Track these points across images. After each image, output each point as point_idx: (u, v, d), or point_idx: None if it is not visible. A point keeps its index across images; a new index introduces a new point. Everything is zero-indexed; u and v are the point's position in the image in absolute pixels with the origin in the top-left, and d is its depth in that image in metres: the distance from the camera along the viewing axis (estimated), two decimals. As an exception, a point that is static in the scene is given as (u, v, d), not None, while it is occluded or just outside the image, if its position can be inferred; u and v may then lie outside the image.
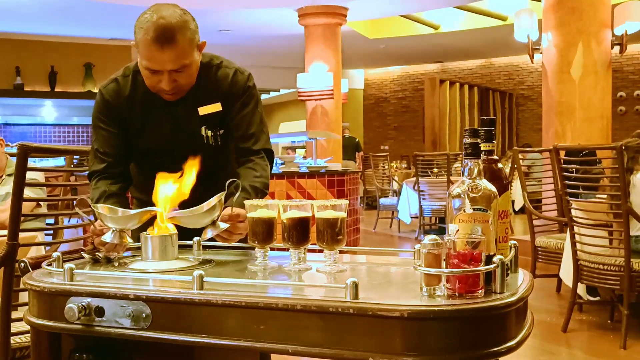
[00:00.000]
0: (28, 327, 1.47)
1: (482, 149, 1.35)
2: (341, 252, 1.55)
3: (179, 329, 1.30)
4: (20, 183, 2.02)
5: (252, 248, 1.57)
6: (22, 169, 2.01)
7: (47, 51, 11.10)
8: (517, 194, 7.60)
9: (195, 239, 1.74)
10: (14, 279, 2.01)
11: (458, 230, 1.25)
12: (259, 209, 1.53)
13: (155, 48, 1.72)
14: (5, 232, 2.06)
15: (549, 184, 4.86)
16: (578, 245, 3.60)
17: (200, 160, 1.69)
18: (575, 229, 3.60)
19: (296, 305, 1.20)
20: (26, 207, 2.84)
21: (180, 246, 1.63)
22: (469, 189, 1.28)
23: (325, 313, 1.18)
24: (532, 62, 7.37)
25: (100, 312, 1.34)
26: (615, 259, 3.43)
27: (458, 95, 13.29)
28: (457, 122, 13.13)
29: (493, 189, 1.29)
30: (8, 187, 2.68)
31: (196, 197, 1.72)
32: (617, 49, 6.44)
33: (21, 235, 2.05)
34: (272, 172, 2.26)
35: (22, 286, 1.53)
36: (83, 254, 1.65)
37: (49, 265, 1.49)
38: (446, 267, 1.20)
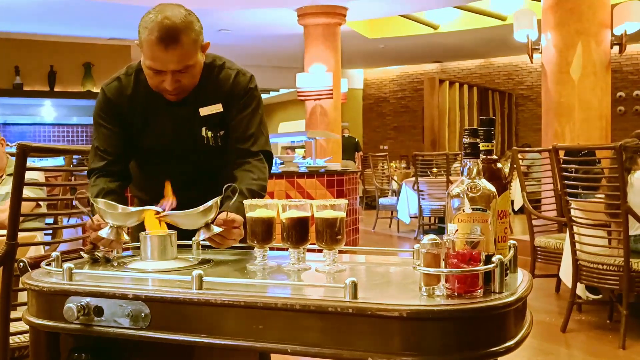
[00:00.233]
0: (27, 327, 1.47)
1: (481, 148, 1.35)
2: (340, 251, 1.55)
3: (178, 328, 1.29)
4: (19, 182, 2.02)
5: (251, 248, 1.57)
6: (21, 168, 2.01)
7: (46, 51, 11.10)
8: (516, 194, 7.60)
9: (194, 238, 1.74)
10: (13, 279, 2.01)
11: (457, 230, 1.25)
12: (258, 208, 1.53)
13: (159, 48, 1.72)
14: (4, 231, 2.06)
15: (548, 184, 4.87)
16: (577, 245, 3.60)
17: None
18: (575, 228, 3.60)
19: (295, 305, 1.20)
20: (26, 206, 2.85)
21: (179, 246, 1.63)
22: (468, 188, 1.28)
23: (324, 313, 1.18)
24: (532, 62, 7.38)
25: (99, 311, 1.34)
26: (615, 258, 3.43)
27: (457, 95, 13.29)
28: (457, 122, 13.14)
29: (492, 188, 1.29)
30: (8, 187, 2.68)
31: (195, 197, 1.72)
32: (616, 49, 6.44)
33: (20, 234, 2.05)
34: (272, 171, 2.26)
35: (21, 286, 1.53)
36: (82, 253, 1.64)
37: (48, 264, 1.49)
38: (445, 267, 1.20)
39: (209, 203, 1.56)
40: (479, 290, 1.19)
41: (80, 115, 11.49)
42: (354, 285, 1.18)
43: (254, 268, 1.52)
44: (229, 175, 1.87)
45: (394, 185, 9.40)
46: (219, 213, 1.60)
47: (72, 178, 3.34)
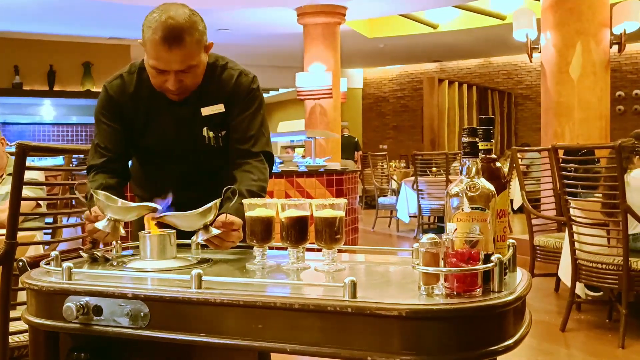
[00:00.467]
0: (26, 326, 1.47)
1: (480, 148, 1.35)
2: (340, 251, 1.55)
3: (177, 328, 1.29)
4: (18, 182, 2.02)
5: (251, 247, 1.57)
6: (20, 167, 2.01)
7: (45, 50, 11.10)
8: (515, 193, 7.60)
9: (193, 239, 1.73)
10: (13, 278, 2.01)
11: (456, 229, 1.26)
12: (257, 208, 1.53)
13: (163, 48, 1.72)
14: (3, 231, 2.06)
15: (547, 183, 4.87)
16: (576, 245, 3.61)
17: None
18: (574, 228, 3.61)
19: (294, 304, 1.20)
20: (27, 206, 2.85)
21: (178, 245, 1.63)
22: (467, 188, 1.28)
23: (323, 312, 1.18)
24: (531, 62, 7.38)
25: (98, 311, 1.34)
26: (614, 258, 3.43)
27: (457, 94, 13.30)
28: (456, 122, 13.14)
29: (491, 187, 1.29)
30: (8, 186, 2.68)
31: (195, 198, 1.72)
32: (615, 48, 6.44)
33: (20, 234, 2.05)
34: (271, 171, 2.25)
35: (20, 285, 1.53)
36: (81, 253, 1.64)
37: (47, 264, 1.49)
38: (444, 266, 1.20)
39: (208, 205, 1.56)
40: (478, 290, 1.19)
41: (80, 114, 11.48)
42: (353, 285, 1.18)
43: (253, 267, 1.52)
44: (229, 176, 1.86)
45: (394, 185, 9.40)
46: (218, 215, 1.60)
47: (73, 177, 3.34)
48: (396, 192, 8.67)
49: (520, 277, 1.37)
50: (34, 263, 1.54)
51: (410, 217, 7.99)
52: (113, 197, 1.63)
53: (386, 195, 9.38)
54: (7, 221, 2.02)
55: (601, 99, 6.32)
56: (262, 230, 1.52)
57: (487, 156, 1.38)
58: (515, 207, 8.89)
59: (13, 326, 2.03)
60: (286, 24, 10.34)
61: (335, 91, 9.45)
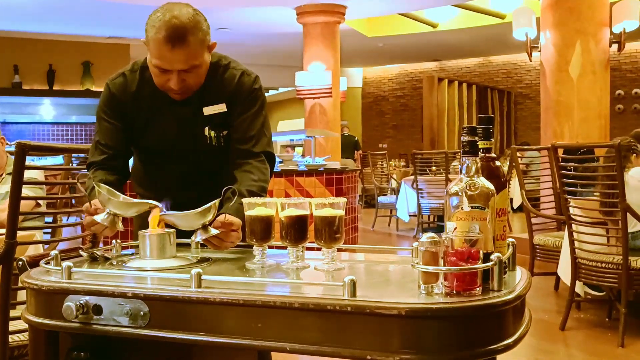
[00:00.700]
0: (26, 326, 1.47)
1: (479, 146, 1.35)
2: (339, 250, 1.55)
3: (176, 327, 1.29)
4: (18, 181, 2.01)
5: (250, 246, 1.57)
6: (20, 167, 2.01)
7: (45, 49, 11.10)
8: (515, 192, 7.60)
9: (192, 239, 1.73)
10: (12, 277, 2.01)
11: (456, 228, 1.26)
12: (257, 207, 1.53)
13: (167, 48, 1.72)
14: (3, 230, 2.06)
15: (547, 182, 4.87)
16: (576, 243, 3.61)
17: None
18: (573, 226, 3.61)
19: (294, 303, 1.20)
20: (27, 206, 2.85)
21: (178, 244, 1.63)
22: (466, 186, 1.28)
23: (323, 311, 1.18)
24: (531, 61, 7.38)
25: (98, 310, 1.34)
26: (613, 256, 3.43)
27: (456, 93, 13.29)
28: (456, 121, 13.13)
29: (491, 186, 1.29)
30: (8, 186, 2.68)
31: (195, 197, 1.72)
32: (615, 47, 6.44)
33: (19, 233, 2.05)
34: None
35: (20, 284, 1.53)
36: (81, 252, 1.64)
37: (47, 263, 1.49)
38: (444, 265, 1.20)
39: (208, 205, 1.56)
40: (478, 288, 1.19)
41: (79, 113, 11.48)
42: (353, 284, 1.18)
43: (253, 266, 1.52)
44: (230, 176, 1.86)
45: (393, 184, 9.40)
46: (218, 215, 1.60)
47: (73, 177, 3.34)
48: (396, 191, 8.67)
49: (519, 276, 1.37)
50: (34, 262, 1.54)
51: (409, 216, 7.99)
52: (115, 192, 1.63)
53: (386, 194, 9.38)
54: (7, 220, 2.02)
55: (601, 98, 6.32)
56: (262, 229, 1.52)
57: (487, 155, 1.38)
58: (515, 206, 8.89)
59: (13, 325, 2.03)
60: (286, 23, 10.33)
61: (335, 90, 9.45)
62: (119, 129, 1.93)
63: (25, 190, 2.77)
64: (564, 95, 6.29)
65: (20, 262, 1.54)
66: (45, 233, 3.14)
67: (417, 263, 1.21)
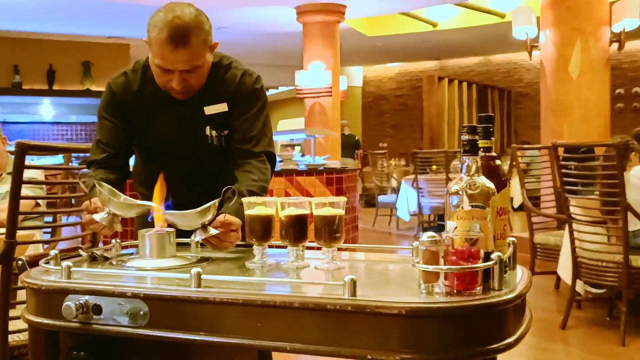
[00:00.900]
0: (26, 325, 1.47)
1: (480, 146, 1.35)
2: (339, 249, 1.55)
3: (176, 326, 1.29)
4: (17, 181, 2.01)
5: (250, 245, 1.56)
6: (19, 166, 2.01)
7: (45, 49, 11.09)
8: (515, 191, 7.60)
9: (191, 238, 1.73)
10: (12, 277, 2.01)
11: (456, 227, 1.25)
12: (256, 206, 1.53)
13: (169, 48, 1.72)
14: (3, 230, 2.05)
15: (547, 181, 4.86)
16: (577, 243, 3.60)
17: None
18: (574, 226, 3.60)
19: (294, 302, 1.20)
20: (27, 205, 2.84)
21: (178, 244, 1.63)
22: (467, 185, 1.27)
23: (323, 310, 1.18)
24: (531, 60, 7.38)
25: (97, 310, 1.34)
26: (614, 255, 3.43)
27: (456, 92, 13.29)
28: (456, 120, 13.13)
29: (491, 185, 1.29)
30: (8, 186, 2.68)
31: (195, 197, 1.71)
32: (615, 46, 6.44)
33: (19, 233, 2.05)
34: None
35: (19, 284, 1.53)
36: (81, 252, 1.64)
37: (47, 263, 1.49)
38: (444, 264, 1.20)
39: (207, 204, 1.56)
40: (478, 288, 1.19)
41: (79, 113, 11.48)
42: (353, 283, 1.18)
43: (253, 266, 1.52)
44: (231, 176, 1.86)
45: (393, 183, 9.39)
46: (218, 215, 1.60)
47: (74, 177, 3.34)
48: (396, 191, 8.67)
49: (520, 275, 1.37)
50: (34, 262, 1.54)
51: (410, 215, 7.99)
52: (116, 192, 1.63)
53: (386, 194, 9.38)
54: (7, 220, 2.02)
55: (600, 96, 6.31)
56: (262, 228, 1.52)
57: (487, 154, 1.38)
58: (516, 205, 8.90)
59: (13, 325, 2.03)
60: (286, 23, 10.33)
61: (335, 89, 9.44)
62: (120, 128, 1.93)
63: (26, 190, 2.77)
64: (563, 94, 6.28)
65: (20, 262, 1.54)
66: (44, 233, 3.13)
67: (417, 262, 1.21)
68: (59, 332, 1.43)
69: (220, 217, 1.60)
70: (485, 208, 1.26)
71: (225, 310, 1.26)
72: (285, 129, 7.33)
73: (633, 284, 3.40)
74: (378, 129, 16.29)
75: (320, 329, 1.19)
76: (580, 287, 3.78)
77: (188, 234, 1.70)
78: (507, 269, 1.35)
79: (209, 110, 1.91)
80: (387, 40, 12.75)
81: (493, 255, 1.21)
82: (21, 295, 2.12)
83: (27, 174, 2.92)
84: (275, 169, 2.03)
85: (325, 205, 1.45)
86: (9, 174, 3.05)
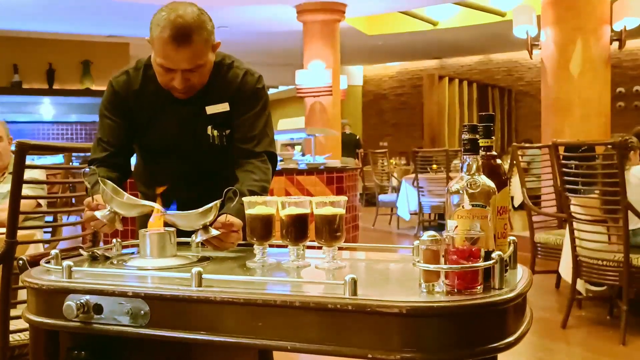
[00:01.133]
0: (26, 325, 1.47)
1: (480, 145, 1.34)
2: (340, 248, 1.55)
3: (177, 326, 1.29)
4: (18, 180, 2.01)
5: (251, 245, 1.56)
6: (20, 166, 2.01)
7: (44, 48, 11.09)
8: (516, 190, 7.60)
9: (192, 238, 1.73)
10: (13, 277, 2.01)
11: (457, 227, 1.25)
12: (257, 205, 1.53)
13: (171, 47, 1.72)
14: (3, 229, 2.05)
15: (548, 180, 4.86)
16: (577, 241, 3.60)
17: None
18: (575, 224, 3.60)
19: (295, 302, 1.20)
20: (29, 206, 2.85)
21: (178, 243, 1.63)
22: (467, 185, 1.27)
23: (324, 310, 1.17)
24: (531, 58, 7.37)
25: (98, 309, 1.34)
26: (615, 254, 3.43)
27: (457, 91, 13.29)
28: (456, 119, 13.13)
29: (492, 184, 1.29)
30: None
31: (196, 197, 1.71)
32: (616, 44, 6.43)
33: (20, 232, 2.05)
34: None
35: (20, 284, 1.53)
36: (81, 251, 1.64)
37: (47, 262, 1.49)
38: (445, 264, 1.20)
39: (209, 205, 1.56)
40: (479, 287, 1.19)
41: (79, 113, 11.47)
42: (354, 282, 1.18)
43: (254, 265, 1.52)
44: (231, 176, 1.86)
45: (394, 182, 9.39)
46: (219, 215, 1.59)
47: (74, 176, 3.34)
48: (396, 190, 8.67)
49: (521, 274, 1.37)
50: (34, 261, 1.54)
51: (410, 214, 7.99)
52: (120, 190, 1.63)
53: (386, 193, 9.38)
54: (7, 220, 2.02)
55: (601, 95, 6.31)
56: (262, 228, 1.51)
57: (488, 153, 1.38)
58: (516, 204, 8.90)
59: (13, 325, 2.03)
60: (285, 22, 10.33)
61: (335, 88, 9.44)
62: (121, 127, 1.93)
63: (27, 190, 2.77)
64: (564, 93, 6.28)
65: (20, 262, 1.54)
66: (45, 232, 3.14)
67: (418, 261, 1.21)
68: (60, 332, 1.43)
69: (222, 218, 1.60)
70: (486, 207, 1.26)
71: (226, 310, 1.26)
72: (286, 128, 7.33)
73: (634, 283, 3.40)
74: (378, 128, 16.28)
75: (321, 328, 1.19)
76: (581, 285, 3.78)
77: (189, 233, 1.70)
78: (507, 268, 1.35)
79: (211, 109, 1.91)
80: (388, 39, 12.75)
81: (494, 255, 1.21)
82: (22, 294, 2.12)
83: (30, 174, 2.93)
84: (277, 168, 2.02)
85: (325, 204, 1.45)
86: (10, 173, 3.06)
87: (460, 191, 1.27)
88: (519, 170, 4.76)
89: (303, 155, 7.60)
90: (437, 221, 8.34)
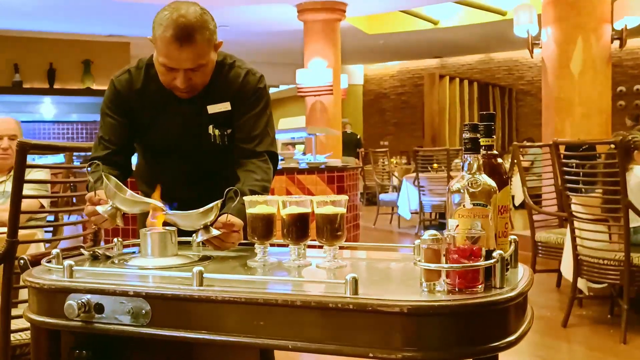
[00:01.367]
0: (28, 325, 1.47)
1: (481, 144, 1.34)
2: (341, 247, 1.55)
3: (178, 325, 1.29)
4: (18, 180, 2.01)
5: (252, 244, 1.56)
6: (21, 165, 2.01)
7: (45, 48, 11.09)
8: (517, 189, 7.59)
9: (193, 238, 1.73)
10: (14, 276, 2.01)
11: (458, 226, 1.25)
12: (258, 205, 1.53)
13: (174, 47, 1.72)
14: (5, 229, 2.06)
15: (548, 179, 4.86)
16: (578, 240, 3.60)
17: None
18: (575, 223, 3.60)
19: (296, 301, 1.20)
20: (34, 206, 2.85)
21: (180, 242, 1.63)
22: (468, 184, 1.27)
23: (325, 309, 1.18)
24: (532, 57, 7.36)
25: (99, 308, 1.34)
26: (615, 253, 3.43)
27: (457, 90, 13.28)
28: (457, 118, 13.12)
29: (492, 183, 1.29)
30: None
31: (196, 197, 1.71)
32: (616, 43, 6.42)
33: (21, 232, 2.05)
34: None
35: (21, 283, 1.53)
36: (83, 251, 1.64)
37: (49, 262, 1.49)
38: (446, 263, 1.20)
39: (210, 205, 1.56)
40: (480, 286, 1.19)
41: (80, 112, 11.48)
42: (355, 281, 1.18)
43: (255, 264, 1.52)
44: (232, 175, 1.86)
45: (395, 181, 9.39)
46: (220, 215, 1.60)
47: (75, 176, 3.34)
48: (397, 189, 8.67)
49: (521, 273, 1.37)
50: (35, 261, 1.54)
51: (411, 213, 7.98)
52: (123, 187, 1.63)
53: (387, 192, 9.38)
54: (8, 219, 2.02)
55: (602, 94, 6.30)
56: (263, 227, 1.52)
57: (489, 152, 1.38)
58: (517, 203, 8.90)
59: (15, 324, 2.03)
60: (286, 21, 10.33)
61: (336, 88, 9.43)
62: (123, 125, 1.93)
63: (34, 191, 2.77)
64: (565, 92, 6.28)
65: (21, 261, 1.54)
66: (46, 232, 3.14)
67: (419, 260, 1.21)
68: (61, 331, 1.43)
69: (223, 218, 1.60)
70: (487, 206, 1.26)
71: (227, 309, 1.26)
72: (286, 128, 7.33)
73: (634, 281, 3.40)
74: (379, 127, 16.28)
75: (322, 328, 1.19)
76: (582, 284, 3.78)
77: (189, 232, 1.71)
78: (508, 267, 1.35)
79: (212, 109, 1.91)
80: (388, 38, 12.74)
81: (494, 254, 1.21)
82: (23, 294, 2.12)
83: (37, 175, 2.93)
84: (277, 168, 2.03)
85: (326, 203, 1.45)
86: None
87: (461, 190, 1.27)
88: (520, 170, 4.76)
89: (304, 154, 7.60)
90: (438, 220, 8.34)
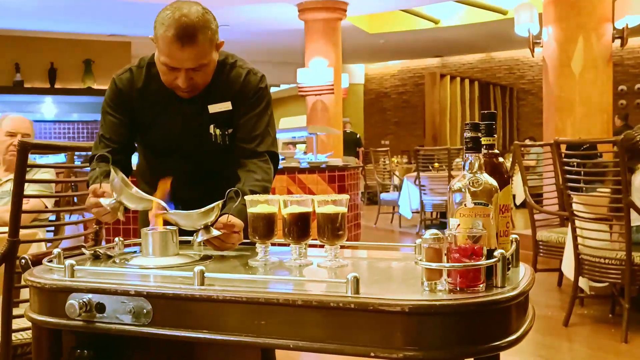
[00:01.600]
0: (29, 324, 1.47)
1: (482, 143, 1.34)
2: (342, 247, 1.55)
3: (179, 325, 1.29)
4: (19, 180, 2.01)
5: (253, 244, 1.56)
6: (22, 165, 2.01)
7: (46, 48, 11.10)
8: (518, 188, 7.59)
9: (193, 238, 1.73)
10: (15, 276, 2.01)
11: (459, 225, 1.25)
12: (259, 204, 1.53)
13: (176, 46, 1.72)
14: (6, 228, 2.06)
15: (550, 178, 4.86)
16: (579, 239, 3.60)
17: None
18: (577, 223, 3.60)
19: (297, 300, 1.20)
20: (40, 206, 2.85)
21: (181, 242, 1.63)
22: (469, 183, 1.27)
23: (326, 308, 1.17)
24: (533, 56, 7.36)
25: (101, 308, 1.34)
26: (617, 252, 3.42)
27: (458, 89, 13.28)
28: (458, 117, 13.12)
29: (494, 183, 1.29)
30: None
31: (197, 197, 1.71)
32: (618, 42, 6.42)
33: (22, 231, 2.05)
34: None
35: (23, 283, 1.53)
36: (84, 250, 1.64)
37: (50, 261, 1.49)
38: (447, 262, 1.20)
39: (211, 205, 1.56)
40: (481, 285, 1.19)
41: (81, 111, 11.49)
42: (356, 281, 1.18)
43: (256, 264, 1.52)
44: (233, 175, 1.86)
45: (396, 181, 9.38)
46: (221, 215, 1.59)
47: (76, 175, 3.34)
48: (398, 188, 8.66)
49: (523, 272, 1.37)
50: (37, 261, 1.54)
51: (412, 212, 7.98)
52: (129, 182, 1.63)
53: (388, 191, 9.38)
54: (10, 219, 2.02)
55: (603, 93, 6.30)
56: (265, 226, 1.52)
57: (490, 151, 1.38)
58: (518, 202, 8.89)
59: (16, 324, 2.04)
60: (287, 20, 10.33)
61: (337, 87, 9.44)
62: (124, 124, 1.93)
63: (37, 192, 2.77)
64: (566, 91, 6.27)
65: (23, 260, 1.54)
66: (47, 231, 3.14)
67: (420, 260, 1.21)
68: (62, 331, 1.43)
69: (223, 219, 1.60)
70: (488, 205, 1.26)
71: (229, 308, 1.26)
72: (287, 127, 7.32)
73: (635, 280, 3.40)
74: (380, 127, 16.28)
75: (324, 327, 1.19)
76: (584, 283, 3.78)
77: (190, 232, 1.71)
78: (509, 266, 1.35)
79: (213, 108, 1.91)
80: (389, 37, 12.74)
81: (496, 253, 1.21)
82: (24, 293, 2.12)
83: (43, 175, 2.93)
84: (278, 167, 2.02)
85: (327, 203, 1.45)
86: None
87: (463, 189, 1.27)
88: (521, 169, 4.76)
89: (305, 153, 7.60)
90: (439, 219, 8.33)
